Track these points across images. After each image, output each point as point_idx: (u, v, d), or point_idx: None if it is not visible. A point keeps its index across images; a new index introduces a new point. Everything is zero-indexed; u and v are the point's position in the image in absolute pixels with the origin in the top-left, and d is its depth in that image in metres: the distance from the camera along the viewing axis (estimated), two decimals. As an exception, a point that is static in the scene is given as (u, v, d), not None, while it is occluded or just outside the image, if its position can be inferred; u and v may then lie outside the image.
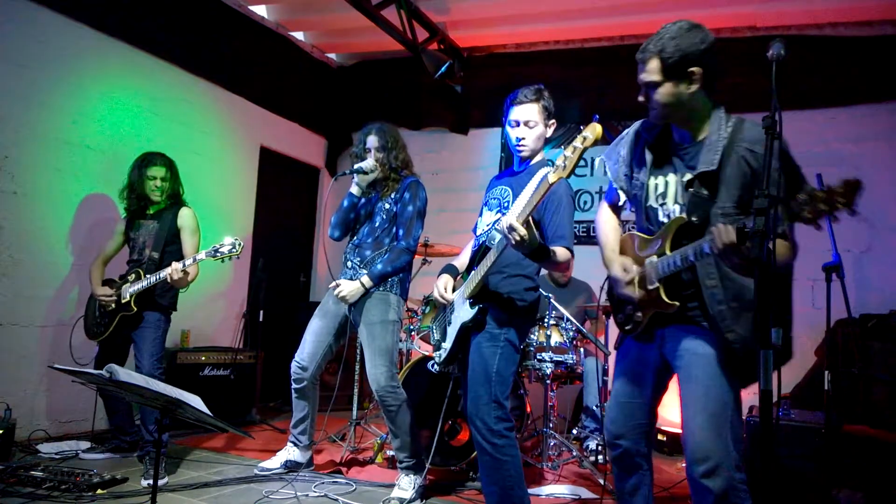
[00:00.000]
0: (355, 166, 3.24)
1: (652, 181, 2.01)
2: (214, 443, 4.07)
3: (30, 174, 3.91)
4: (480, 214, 2.67)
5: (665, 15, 5.09)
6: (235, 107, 5.47)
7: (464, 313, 2.48)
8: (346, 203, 3.34)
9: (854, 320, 3.66)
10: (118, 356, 3.53)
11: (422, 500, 3.11)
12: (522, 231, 2.09)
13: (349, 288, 3.17)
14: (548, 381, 3.87)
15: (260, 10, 5.64)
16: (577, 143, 1.93)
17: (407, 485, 3.12)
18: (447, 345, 2.57)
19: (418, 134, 6.29)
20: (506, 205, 2.53)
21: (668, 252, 1.87)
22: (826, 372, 3.09)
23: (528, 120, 2.50)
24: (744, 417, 3.79)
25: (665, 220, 1.95)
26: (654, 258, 1.91)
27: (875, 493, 2.94)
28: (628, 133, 2.12)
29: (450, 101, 6.15)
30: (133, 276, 3.40)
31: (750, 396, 2.09)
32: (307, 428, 3.42)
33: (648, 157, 2.03)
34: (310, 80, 6.37)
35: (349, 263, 3.31)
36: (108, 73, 4.36)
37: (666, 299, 1.87)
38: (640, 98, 1.96)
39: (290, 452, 3.43)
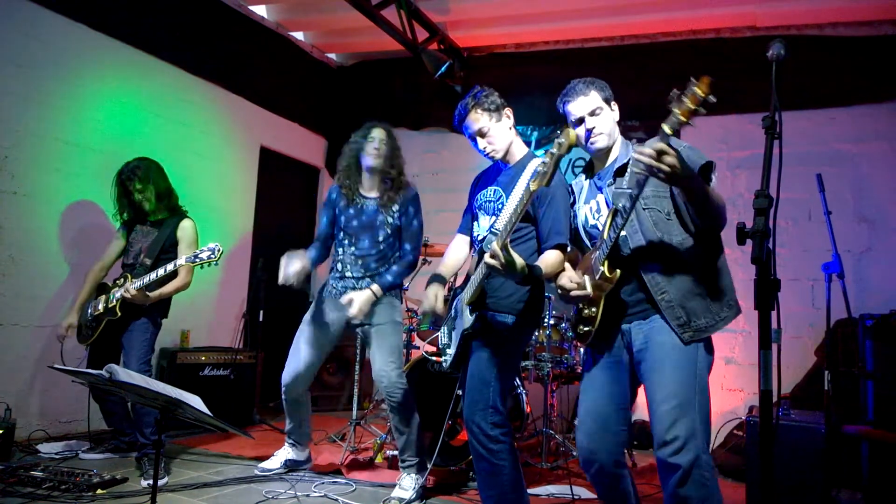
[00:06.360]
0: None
1: (585, 208, 2.24)
2: (214, 443, 4.07)
3: (30, 174, 3.92)
4: (476, 220, 2.61)
5: (665, 15, 5.13)
6: (235, 107, 5.47)
7: (464, 320, 2.45)
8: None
9: (854, 320, 3.66)
10: (108, 360, 3.50)
11: (422, 501, 3.11)
12: (502, 259, 2.06)
13: (362, 299, 3.12)
14: (548, 381, 3.87)
15: (260, 10, 5.64)
16: (554, 149, 1.95)
17: (408, 485, 3.12)
18: (452, 350, 2.55)
19: (418, 134, 6.29)
20: (499, 207, 2.49)
21: (605, 236, 2.02)
22: (826, 372, 3.09)
23: (479, 129, 2.47)
24: (743, 417, 3.81)
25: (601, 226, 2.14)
26: (597, 252, 2.05)
27: (875, 493, 2.94)
28: None
29: (450, 101, 6.10)
30: (122, 280, 3.38)
31: (750, 396, 2.10)
32: (303, 432, 3.46)
33: (580, 192, 2.28)
34: (310, 80, 6.37)
35: (349, 273, 3.27)
36: (108, 73, 4.37)
37: (608, 273, 1.97)
38: (587, 127, 2.15)
39: (288, 452, 3.45)
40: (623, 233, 2.01)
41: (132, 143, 4.36)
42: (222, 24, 5.27)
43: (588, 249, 2.22)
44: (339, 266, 3.32)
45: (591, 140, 2.15)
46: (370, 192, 3.32)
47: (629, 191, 1.98)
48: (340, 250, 3.34)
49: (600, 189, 2.20)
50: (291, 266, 3.05)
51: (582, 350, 2.27)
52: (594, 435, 2.07)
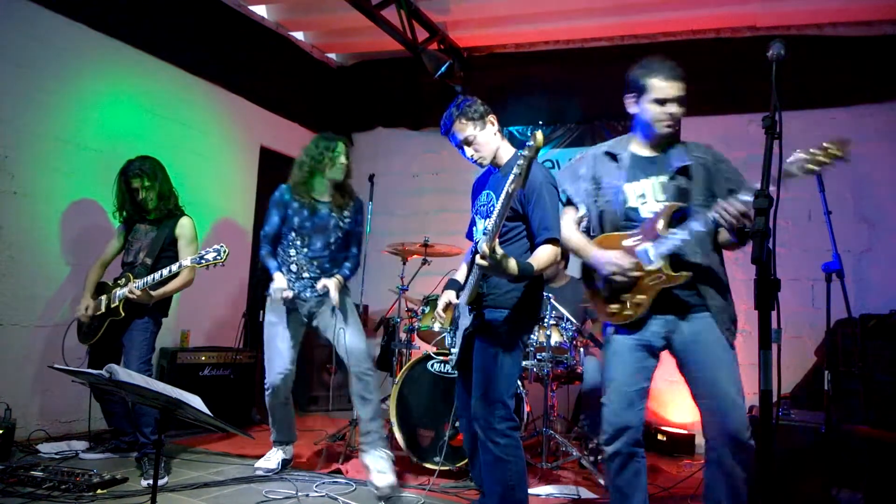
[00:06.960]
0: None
1: (629, 188, 2.31)
2: (214, 443, 4.07)
3: (30, 174, 3.91)
4: (474, 223, 2.69)
5: (665, 15, 5.13)
6: (235, 107, 5.47)
7: (465, 320, 2.52)
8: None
9: (854, 320, 3.66)
10: (109, 360, 3.50)
11: (419, 498, 3.11)
12: (491, 259, 2.10)
13: (334, 283, 3.31)
14: (548, 381, 3.87)
15: (260, 10, 5.64)
16: (525, 152, 2.00)
17: (386, 467, 3.17)
18: (456, 350, 2.62)
19: (418, 134, 6.29)
20: (491, 210, 2.54)
21: (663, 234, 2.16)
22: (826, 372, 3.08)
23: (464, 139, 2.57)
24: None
25: (649, 214, 2.24)
26: (649, 243, 2.19)
27: (875, 493, 2.94)
28: (586, 157, 2.47)
29: (450, 101, 6.12)
30: (123, 280, 3.38)
31: (750, 397, 2.13)
32: (291, 433, 3.57)
33: (624, 168, 2.34)
34: (310, 80, 6.37)
35: (306, 274, 3.38)
36: (108, 73, 4.36)
37: (672, 273, 2.15)
38: (672, 110, 2.25)
39: (280, 453, 3.49)
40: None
41: (132, 143, 4.35)
42: (222, 24, 5.27)
43: (619, 227, 2.31)
44: (294, 267, 3.40)
45: (669, 124, 2.26)
46: (322, 196, 3.46)
47: (682, 184, 2.21)
48: (293, 251, 3.41)
49: (647, 175, 2.29)
50: (279, 287, 3.30)
51: (610, 329, 2.37)
52: (621, 412, 2.22)
